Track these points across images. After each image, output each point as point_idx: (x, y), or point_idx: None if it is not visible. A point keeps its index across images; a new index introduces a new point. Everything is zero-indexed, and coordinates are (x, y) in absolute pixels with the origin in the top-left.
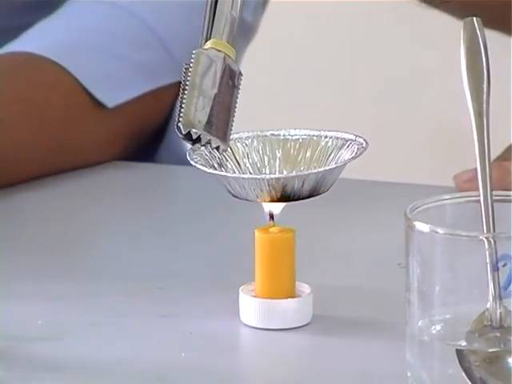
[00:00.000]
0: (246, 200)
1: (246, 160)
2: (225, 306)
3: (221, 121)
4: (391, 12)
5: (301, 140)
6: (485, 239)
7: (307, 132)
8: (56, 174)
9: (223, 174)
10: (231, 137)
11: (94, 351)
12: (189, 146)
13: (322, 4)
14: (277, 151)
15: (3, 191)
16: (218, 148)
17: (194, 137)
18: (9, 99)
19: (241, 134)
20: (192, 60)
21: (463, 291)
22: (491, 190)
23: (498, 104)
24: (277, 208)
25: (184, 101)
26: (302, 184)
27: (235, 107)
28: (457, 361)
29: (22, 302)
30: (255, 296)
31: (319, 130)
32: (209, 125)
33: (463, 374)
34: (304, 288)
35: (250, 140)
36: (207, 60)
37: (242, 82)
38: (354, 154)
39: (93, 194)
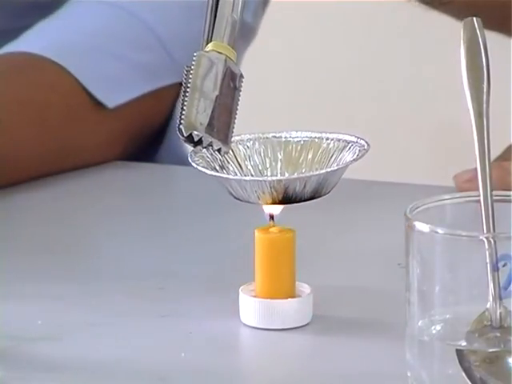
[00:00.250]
0: (248, 202)
1: (247, 162)
2: (225, 305)
3: (222, 123)
4: (391, 12)
5: (302, 142)
6: (485, 239)
7: (308, 134)
8: (56, 174)
9: (225, 176)
10: (233, 139)
11: (94, 351)
12: (190, 147)
13: (322, 5)
14: (278, 153)
15: (3, 191)
16: (219, 150)
17: (196, 139)
18: (9, 99)
19: (242, 136)
20: (193, 62)
21: (463, 291)
22: (491, 190)
23: (498, 104)
24: (277, 208)
25: (185, 103)
26: (304, 186)
27: (236, 109)
28: (457, 361)
29: (22, 302)
30: (255, 296)
31: (320, 132)
32: (210, 127)
33: (463, 374)
34: (304, 288)
35: (251, 142)
36: (208, 62)
37: (243, 84)
38: (355, 156)
39: (93, 194)
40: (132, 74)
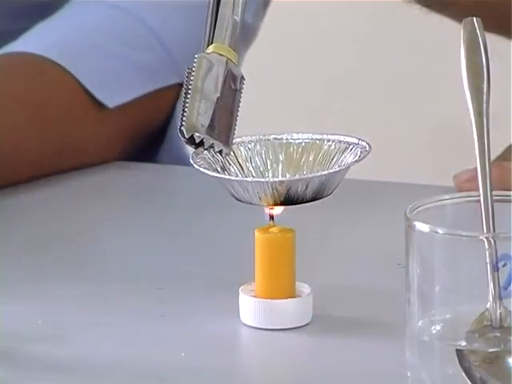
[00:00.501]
0: (250, 203)
1: (248, 164)
2: (225, 305)
3: (223, 125)
4: (391, 13)
5: (303, 144)
6: (485, 239)
7: (310, 136)
8: (56, 174)
9: (227, 177)
10: (234, 141)
11: (94, 351)
12: (191, 149)
13: (323, 5)
14: (279, 155)
15: (3, 191)
16: (220, 152)
17: (197, 140)
18: (9, 99)
19: (243, 137)
20: (194, 64)
21: (463, 291)
22: (491, 190)
23: (498, 104)
24: (278, 210)
25: (187, 105)
26: (306, 187)
27: (238, 111)
28: (457, 361)
29: (22, 302)
30: (255, 296)
31: (322, 134)
32: (211, 129)
33: (463, 374)
34: (304, 288)
35: (252, 144)
36: (209, 64)
37: (244, 86)
38: (357, 158)
39: (93, 194)
40: (132, 74)
